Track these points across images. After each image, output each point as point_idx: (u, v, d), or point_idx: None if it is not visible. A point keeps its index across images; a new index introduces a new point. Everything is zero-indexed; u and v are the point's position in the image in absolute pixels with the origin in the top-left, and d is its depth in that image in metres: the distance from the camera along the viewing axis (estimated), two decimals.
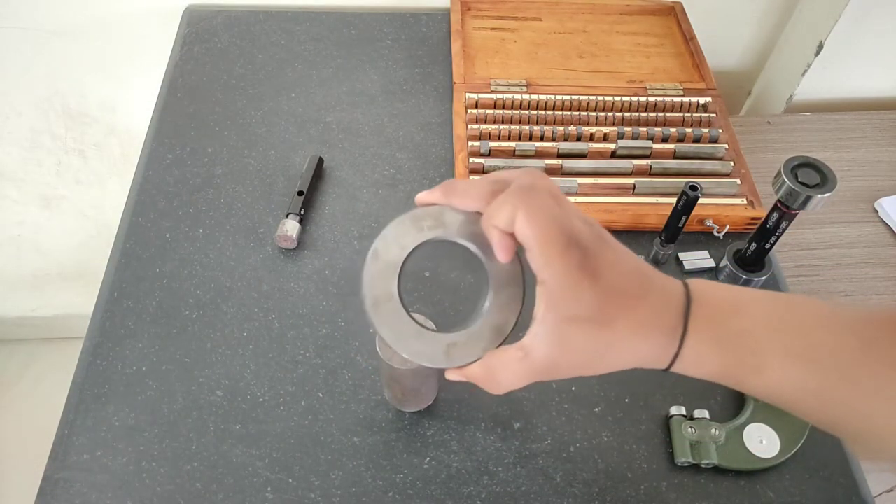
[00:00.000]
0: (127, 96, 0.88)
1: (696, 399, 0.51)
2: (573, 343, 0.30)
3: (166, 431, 0.48)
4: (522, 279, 0.33)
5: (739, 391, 0.34)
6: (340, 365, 0.51)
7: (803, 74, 0.85)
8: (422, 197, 0.34)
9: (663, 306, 0.31)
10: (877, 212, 0.76)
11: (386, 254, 0.33)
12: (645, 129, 0.65)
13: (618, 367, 0.31)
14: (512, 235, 0.31)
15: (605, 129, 0.64)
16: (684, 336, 0.31)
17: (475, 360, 0.33)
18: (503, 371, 0.32)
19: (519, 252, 0.32)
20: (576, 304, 0.30)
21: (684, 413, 0.49)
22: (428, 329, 0.33)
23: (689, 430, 0.48)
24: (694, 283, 0.32)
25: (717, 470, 0.47)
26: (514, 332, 0.33)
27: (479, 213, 0.33)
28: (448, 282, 0.56)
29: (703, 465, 0.47)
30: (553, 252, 0.29)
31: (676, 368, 0.32)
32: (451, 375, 0.34)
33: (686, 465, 0.47)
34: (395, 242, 0.33)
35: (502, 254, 0.31)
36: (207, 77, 0.71)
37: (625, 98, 0.67)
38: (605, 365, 0.31)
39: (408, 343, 0.33)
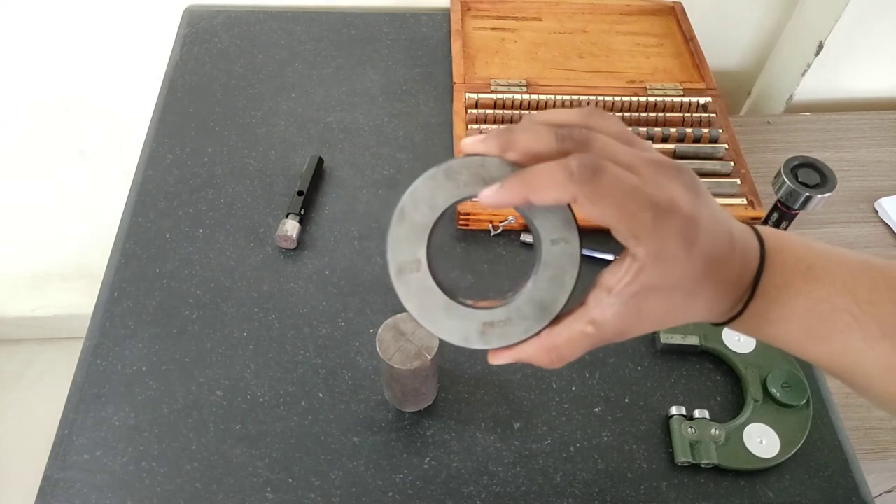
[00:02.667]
0: (127, 96, 0.88)
1: (696, 399, 0.51)
2: (651, 312, 0.28)
3: (166, 431, 0.48)
4: (579, 249, 0.29)
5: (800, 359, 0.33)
6: (340, 365, 0.51)
7: (803, 74, 0.85)
8: (470, 145, 0.29)
9: (742, 267, 0.28)
10: (877, 212, 0.76)
11: (414, 213, 0.28)
12: (645, 129, 0.65)
13: (679, 324, 0.29)
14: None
15: None
16: (750, 300, 0.29)
17: (515, 343, 0.30)
18: (567, 347, 0.29)
19: (574, 215, 0.29)
20: (667, 276, 0.27)
21: (684, 413, 0.49)
22: (460, 304, 0.29)
23: (689, 430, 0.48)
24: (768, 237, 0.29)
25: (717, 470, 0.47)
26: (564, 310, 0.30)
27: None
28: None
29: (703, 465, 0.47)
30: (641, 227, 0.26)
31: (733, 327, 0.30)
32: (498, 358, 0.30)
33: (686, 464, 0.47)
34: (424, 200, 0.28)
35: (491, 202, 0.27)
36: (207, 77, 0.71)
37: (625, 98, 0.67)
38: (668, 324, 0.29)
39: (436, 318, 0.29)
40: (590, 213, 0.26)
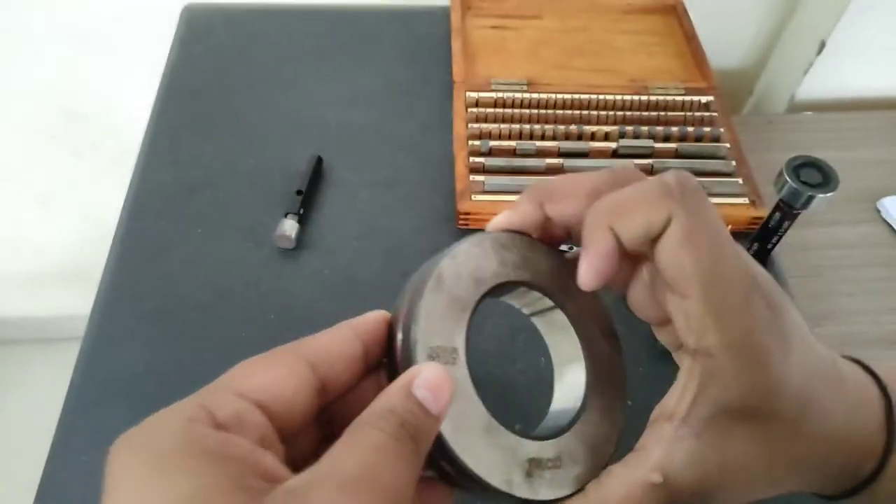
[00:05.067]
0: (124, 96, 0.87)
1: None
2: (739, 455, 0.19)
3: None
4: (621, 366, 0.23)
5: None
6: None
7: (805, 73, 0.84)
8: (501, 221, 0.22)
9: (859, 401, 0.21)
10: (879, 212, 0.75)
11: (455, 284, 0.21)
12: (646, 128, 0.64)
13: (782, 490, 0.20)
14: (621, 256, 0.19)
15: (606, 128, 0.64)
16: (889, 453, 0.20)
17: (564, 497, 0.21)
18: None
19: (610, 320, 0.22)
20: (754, 388, 0.18)
21: None
22: (504, 426, 0.21)
23: None
24: (882, 370, 0.22)
25: None
26: (612, 458, 0.22)
27: (566, 267, 0.23)
28: None
29: None
30: (722, 301, 0.18)
31: (860, 500, 0.21)
32: None
33: None
34: (469, 272, 0.21)
35: (592, 274, 0.19)
36: (205, 76, 0.70)
37: (626, 97, 0.67)
38: (767, 488, 0.20)
39: (473, 443, 0.20)
40: (675, 252, 0.18)
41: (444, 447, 0.19)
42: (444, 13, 0.77)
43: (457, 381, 0.20)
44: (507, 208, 0.22)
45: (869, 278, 0.69)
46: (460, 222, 0.58)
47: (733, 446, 0.19)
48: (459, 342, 0.21)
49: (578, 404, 0.22)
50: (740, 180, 0.61)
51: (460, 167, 0.60)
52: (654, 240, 0.19)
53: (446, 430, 0.20)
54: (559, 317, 0.23)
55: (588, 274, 0.19)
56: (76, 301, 1.19)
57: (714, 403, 0.19)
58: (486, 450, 0.20)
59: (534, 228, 0.23)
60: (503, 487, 0.20)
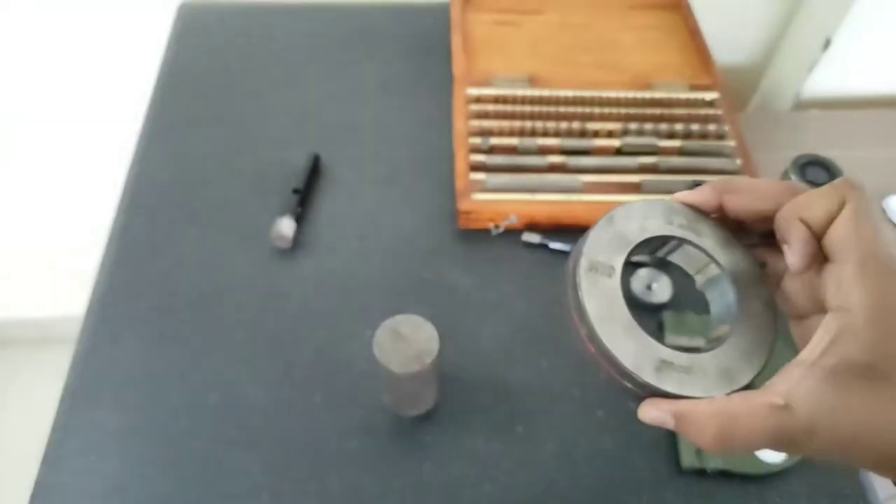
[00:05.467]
0: (120, 93, 0.86)
1: None
2: (852, 404, 0.22)
3: (159, 435, 0.47)
4: (774, 329, 0.27)
5: None
6: (337, 368, 0.50)
7: (810, 71, 0.83)
8: (679, 196, 0.28)
9: None
10: (885, 211, 0.74)
11: (623, 225, 0.28)
12: (651, 125, 0.63)
13: (879, 457, 0.22)
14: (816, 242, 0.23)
15: (609, 126, 0.63)
16: None
17: (689, 397, 0.25)
18: (747, 421, 0.23)
19: (774, 300, 0.26)
20: (878, 346, 0.22)
21: None
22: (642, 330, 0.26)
23: None
24: None
25: (724, 475, 0.46)
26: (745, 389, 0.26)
27: (736, 242, 0.27)
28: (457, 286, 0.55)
29: (709, 471, 0.46)
30: (874, 269, 0.22)
31: None
32: (655, 409, 0.25)
33: (692, 469, 0.46)
34: (637, 219, 0.28)
35: (799, 257, 0.24)
36: (202, 73, 0.70)
37: (630, 94, 0.66)
38: (870, 452, 0.22)
39: (613, 331, 0.26)
40: (841, 229, 0.23)
41: (590, 327, 0.25)
42: (444, 8, 0.76)
43: (610, 289, 0.26)
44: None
45: None
46: (461, 221, 0.57)
47: (848, 397, 0.22)
48: (618, 264, 0.27)
49: (722, 343, 0.27)
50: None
51: (460, 165, 0.59)
52: (830, 223, 0.23)
53: (595, 316, 0.25)
54: (719, 276, 0.28)
55: (796, 258, 0.24)
56: (71, 302, 1.18)
57: (841, 356, 0.22)
58: (623, 339, 0.26)
59: (708, 211, 0.27)
60: (632, 369, 0.25)
